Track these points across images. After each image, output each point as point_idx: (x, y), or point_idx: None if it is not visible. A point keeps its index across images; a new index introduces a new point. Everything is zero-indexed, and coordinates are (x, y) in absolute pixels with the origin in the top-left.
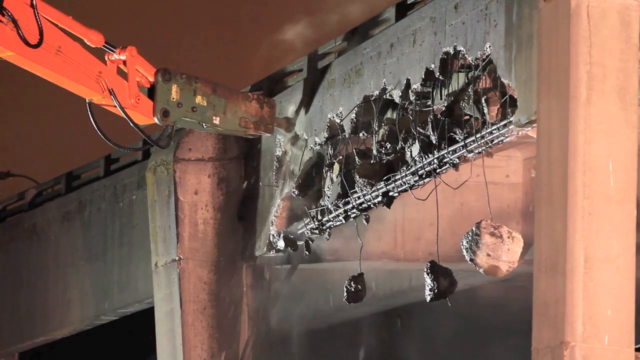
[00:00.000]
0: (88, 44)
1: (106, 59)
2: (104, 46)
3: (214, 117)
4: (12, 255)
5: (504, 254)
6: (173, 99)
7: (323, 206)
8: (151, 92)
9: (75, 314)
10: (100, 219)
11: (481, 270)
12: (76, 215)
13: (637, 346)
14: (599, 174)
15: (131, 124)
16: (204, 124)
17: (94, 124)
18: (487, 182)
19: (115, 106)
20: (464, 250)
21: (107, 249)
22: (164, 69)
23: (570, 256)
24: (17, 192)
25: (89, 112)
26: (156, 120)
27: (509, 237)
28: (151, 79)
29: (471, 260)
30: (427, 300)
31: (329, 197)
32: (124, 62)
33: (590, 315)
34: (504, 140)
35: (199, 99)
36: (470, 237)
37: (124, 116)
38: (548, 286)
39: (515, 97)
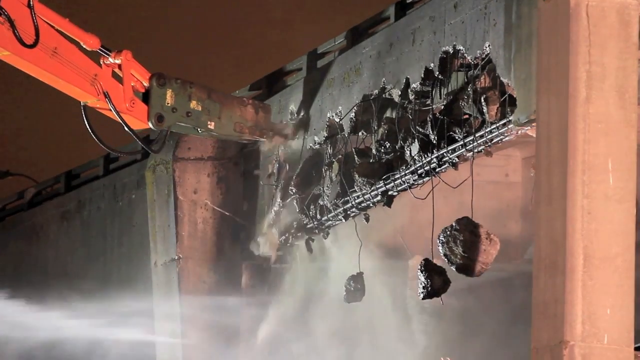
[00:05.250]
0: (84, 46)
1: (101, 62)
2: (99, 49)
3: (209, 122)
4: (11, 254)
5: (480, 254)
6: (168, 103)
7: (322, 205)
8: (146, 97)
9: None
10: (99, 218)
11: (453, 267)
12: (75, 215)
13: (637, 345)
14: (598, 173)
15: (126, 128)
16: (199, 129)
17: (88, 127)
18: (485, 181)
19: (110, 110)
20: (440, 244)
21: (106, 248)
22: (159, 74)
23: (569, 255)
24: (17, 191)
25: (84, 116)
26: (150, 125)
27: (486, 238)
28: (146, 84)
29: (445, 255)
30: (420, 299)
31: (328, 196)
32: (119, 66)
33: (590, 315)
34: (503, 140)
35: (193, 104)
36: (448, 232)
37: (119, 120)
38: (547, 285)
39: (515, 96)
